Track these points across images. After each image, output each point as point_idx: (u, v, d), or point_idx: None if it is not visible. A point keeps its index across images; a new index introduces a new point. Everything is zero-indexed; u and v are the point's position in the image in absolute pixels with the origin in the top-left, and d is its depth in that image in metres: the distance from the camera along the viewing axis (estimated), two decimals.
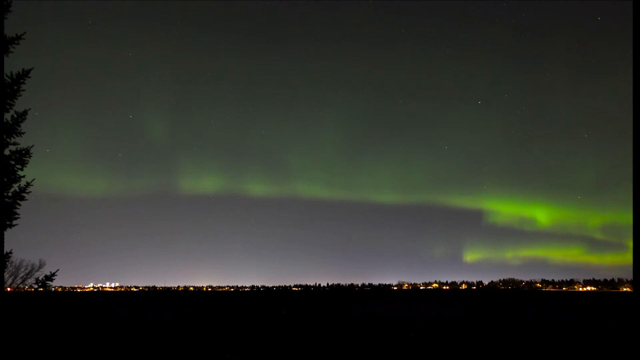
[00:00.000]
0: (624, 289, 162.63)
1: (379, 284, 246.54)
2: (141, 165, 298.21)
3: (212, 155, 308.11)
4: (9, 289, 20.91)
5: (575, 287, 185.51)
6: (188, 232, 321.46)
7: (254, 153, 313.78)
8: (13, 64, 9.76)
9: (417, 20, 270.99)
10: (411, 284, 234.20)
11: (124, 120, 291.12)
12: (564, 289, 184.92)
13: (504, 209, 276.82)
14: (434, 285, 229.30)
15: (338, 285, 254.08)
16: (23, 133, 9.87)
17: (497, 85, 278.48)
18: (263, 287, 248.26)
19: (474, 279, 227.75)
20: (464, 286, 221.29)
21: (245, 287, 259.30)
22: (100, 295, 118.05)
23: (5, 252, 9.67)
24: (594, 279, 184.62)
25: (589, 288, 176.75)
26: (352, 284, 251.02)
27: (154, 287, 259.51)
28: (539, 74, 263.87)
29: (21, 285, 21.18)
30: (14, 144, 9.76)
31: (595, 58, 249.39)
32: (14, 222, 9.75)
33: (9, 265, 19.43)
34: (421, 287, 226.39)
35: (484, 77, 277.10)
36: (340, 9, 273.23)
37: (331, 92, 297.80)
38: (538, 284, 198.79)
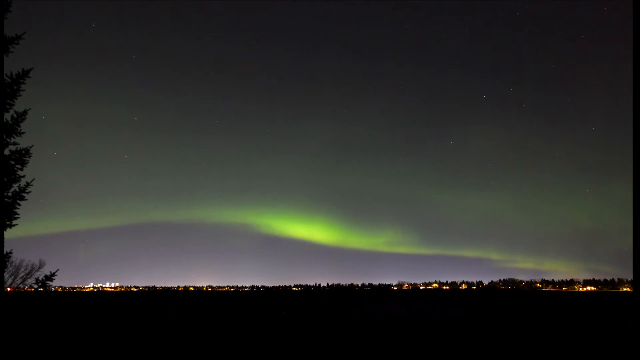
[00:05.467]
0: (624, 289, 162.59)
1: (379, 284, 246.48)
2: (144, 166, 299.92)
3: (213, 156, 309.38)
4: (9, 289, 20.87)
5: (575, 287, 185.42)
6: (188, 232, 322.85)
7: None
8: (13, 64, 9.77)
9: (420, 13, 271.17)
10: (411, 284, 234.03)
11: (129, 122, 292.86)
12: (563, 289, 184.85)
13: None
14: (434, 285, 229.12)
15: (338, 285, 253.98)
16: (23, 133, 9.88)
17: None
18: (263, 287, 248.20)
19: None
20: (464, 286, 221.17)
21: (245, 287, 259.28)
22: (100, 295, 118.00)
23: (5, 252, 9.67)
24: (594, 279, 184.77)
25: (589, 288, 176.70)
26: (352, 284, 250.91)
27: (154, 287, 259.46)
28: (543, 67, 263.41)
29: (21, 285, 21.14)
30: (14, 144, 9.76)
31: (599, 52, 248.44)
32: (14, 222, 9.75)
33: (9, 265, 19.40)
34: (421, 287, 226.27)
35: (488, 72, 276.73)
36: (330, 8, 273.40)
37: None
38: (538, 284, 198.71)
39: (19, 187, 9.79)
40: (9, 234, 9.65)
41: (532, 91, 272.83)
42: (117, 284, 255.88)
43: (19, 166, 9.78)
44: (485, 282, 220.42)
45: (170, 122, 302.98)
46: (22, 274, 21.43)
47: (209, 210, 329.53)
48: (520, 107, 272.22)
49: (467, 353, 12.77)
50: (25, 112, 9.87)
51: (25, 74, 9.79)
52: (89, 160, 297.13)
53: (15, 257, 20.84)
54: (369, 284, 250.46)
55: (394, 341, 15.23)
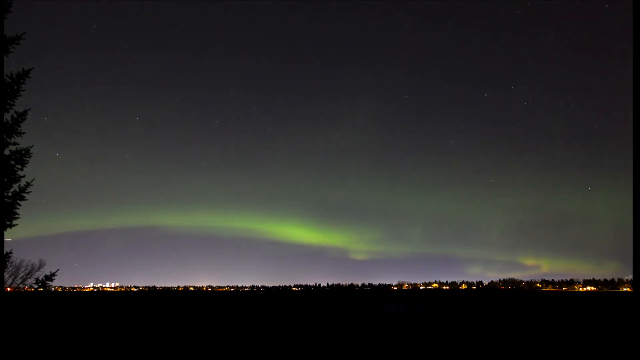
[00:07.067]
0: (624, 289, 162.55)
1: (379, 284, 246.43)
2: (146, 166, 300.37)
3: (214, 157, 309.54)
4: (9, 289, 20.87)
5: (575, 287, 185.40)
6: (188, 232, 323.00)
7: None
8: (13, 64, 9.77)
9: (420, 12, 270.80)
10: (411, 284, 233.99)
11: (130, 123, 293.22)
12: (564, 289, 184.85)
13: None
14: (434, 285, 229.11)
15: (338, 285, 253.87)
16: (23, 133, 9.88)
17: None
18: (263, 287, 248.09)
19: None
20: (464, 286, 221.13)
21: (245, 287, 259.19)
22: (100, 295, 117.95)
23: (5, 252, 9.67)
24: (594, 279, 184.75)
25: (589, 288, 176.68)
26: (352, 284, 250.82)
27: (154, 287, 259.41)
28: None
29: (21, 285, 21.13)
30: (14, 144, 9.76)
31: (600, 50, 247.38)
32: (14, 222, 9.75)
33: (9, 265, 19.39)
34: (421, 287, 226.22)
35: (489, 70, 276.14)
36: (330, 7, 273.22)
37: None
38: (538, 284, 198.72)
39: (19, 187, 9.79)
40: (9, 235, 9.66)
41: (533, 90, 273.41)
42: (117, 284, 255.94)
43: (19, 166, 9.78)
44: (485, 282, 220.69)
45: (170, 123, 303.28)
46: (22, 274, 21.40)
47: (209, 211, 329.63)
48: (522, 105, 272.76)
49: (468, 353, 12.77)
50: (25, 112, 9.87)
51: (25, 74, 9.79)
52: (90, 161, 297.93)
53: (15, 257, 20.84)
54: (369, 284, 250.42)
55: (394, 341, 15.23)
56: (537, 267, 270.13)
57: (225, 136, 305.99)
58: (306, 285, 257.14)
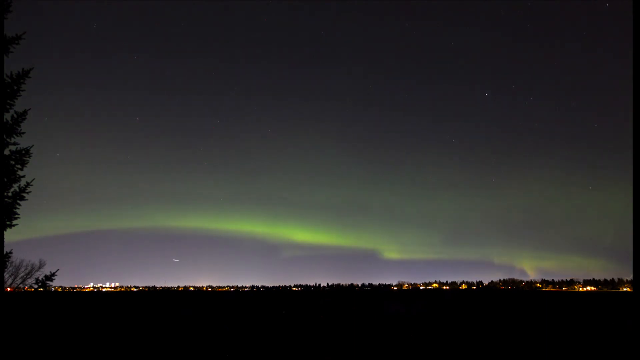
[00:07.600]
0: (624, 289, 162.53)
1: (379, 284, 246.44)
2: (146, 166, 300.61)
3: (214, 157, 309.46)
4: (9, 289, 20.88)
5: (575, 287, 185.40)
6: (188, 232, 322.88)
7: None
8: (13, 64, 9.77)
9: (420, 12, 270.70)
10: (411, 284, 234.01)
11: (130, 123, 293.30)
12: (563, 289, 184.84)
13: None
14: (434, 285, 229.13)
15: (338, 285, 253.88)
16: (23, 133, 9.88)
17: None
18: (263, 287, 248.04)
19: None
20: (464, 286, 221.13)
21: (245, 287, 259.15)
22: (100, 295, 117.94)
23: (5, 252, 9.67)
24: (594, 279, 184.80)
25: (589, 288, 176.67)
26: (352, 284, 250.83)
27: (154, 287, 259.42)
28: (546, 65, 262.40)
29: (21, 285, 21.15)
30: (14, 144, 9.76)
31: (601, 49, 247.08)
32: (14, 222, 9.75)
33: (9, 265, 19.40)
34: (421, 287, 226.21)
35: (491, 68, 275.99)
36: (330, 7, 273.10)
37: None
38: (538, 284, 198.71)
39: (19, 187, 9.79)
40: (9, 236, 9.66)
41: (534, 89, 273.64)
42: (117, 284, 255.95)
43: (19, 166, 9.78)
44: (485, 282, 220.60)
45: (171, 123, 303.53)
46: (22, 274, 21.44)
47: (209, 211, 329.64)
48: (522, 104, 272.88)
49: (468, 353, 12.77)
50: (25, 112, 9.87)
51: (25, 74, 9.79)
52: (90, 161, 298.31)
53: (15, 257, 20.85)
54: (369, 284, 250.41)
55: (394, 341, 15.23)
56: (536, 267, 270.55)
57: (225, 136, 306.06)
58: (306, 285, 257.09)
